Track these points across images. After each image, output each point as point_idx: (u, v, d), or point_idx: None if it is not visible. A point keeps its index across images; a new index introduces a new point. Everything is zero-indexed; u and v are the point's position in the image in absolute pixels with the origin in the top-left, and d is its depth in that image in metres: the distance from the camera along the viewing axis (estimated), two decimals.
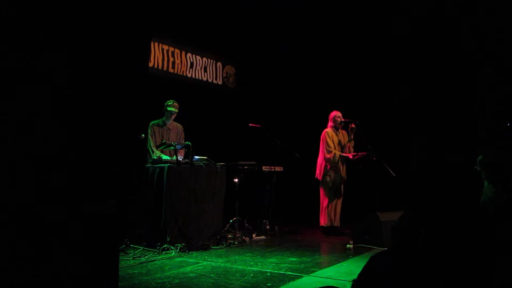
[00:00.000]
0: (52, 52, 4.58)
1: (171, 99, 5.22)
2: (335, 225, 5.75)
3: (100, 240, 2.39)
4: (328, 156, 5.73)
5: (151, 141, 5.09)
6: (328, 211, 5.72)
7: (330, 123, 5.93)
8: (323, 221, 5.76)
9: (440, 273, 1.48)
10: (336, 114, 5.91)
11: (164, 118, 5.24)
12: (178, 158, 4.78)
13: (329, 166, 5.75)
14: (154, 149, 5.05)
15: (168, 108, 5.15)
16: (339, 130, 5.91)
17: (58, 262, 2.20)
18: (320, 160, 5.87)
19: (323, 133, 5.88)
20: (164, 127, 5.23)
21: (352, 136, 5.85)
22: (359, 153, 5.72)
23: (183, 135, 5.38)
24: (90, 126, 4.95)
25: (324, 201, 5.77)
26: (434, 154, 6.00)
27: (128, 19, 5.50)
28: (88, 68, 4.98)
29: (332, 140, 5.81)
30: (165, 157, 4.97)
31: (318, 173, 5.85)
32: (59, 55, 4.65)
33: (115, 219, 2.46)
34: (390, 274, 1.52)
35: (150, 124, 5.17)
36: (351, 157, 5.74)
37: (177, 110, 5.20)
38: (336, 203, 5.78)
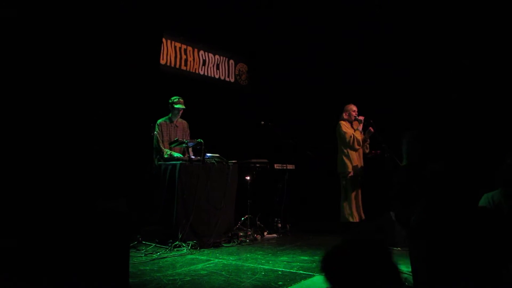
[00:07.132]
0: (64, 51, 4.61)
1: (176, 96, 5.13)
2: (359, 219, 5.49)
3: (110, 237, 2.40)
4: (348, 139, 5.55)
5: (159, 139, 5.05)
6: (351, 206, 5.44)
7: (344, 115, 5.72)
8: (351, 218, 5.45)
9: (461, 269, 1.43)
10: (351, 107, 5.73)
11: (170, 115, 5.17)
12: (191, 156, 4.78)
13: (349, 160, 5.55)
14: (162, 147, 5.00)
15: (175, 106, 5.08)
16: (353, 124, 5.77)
17: (68, 259, 2.21)
18: (341, 155, 5.63)
19: (339, 124, 5.66)
20: (171, 124, 5.19)
21: (367, 137, 5.70)
22: (373, 151, 5.66)
23: (188, 131, 5.34)
24: (102, 124, 4.98)
25: (349, 195, 5.50)
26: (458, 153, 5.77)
27: (141, 16, 5.51)
28: (99, 67, 5.00)
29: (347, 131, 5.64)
30: (176, 154, 4.97)
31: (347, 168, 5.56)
32: (71, 54, 4.68)
33: (125, 217, 2.46)
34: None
35: (158, 122, 5.10)
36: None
37: (184, 106, 5.13)
38: (358, 196, 5.58)
